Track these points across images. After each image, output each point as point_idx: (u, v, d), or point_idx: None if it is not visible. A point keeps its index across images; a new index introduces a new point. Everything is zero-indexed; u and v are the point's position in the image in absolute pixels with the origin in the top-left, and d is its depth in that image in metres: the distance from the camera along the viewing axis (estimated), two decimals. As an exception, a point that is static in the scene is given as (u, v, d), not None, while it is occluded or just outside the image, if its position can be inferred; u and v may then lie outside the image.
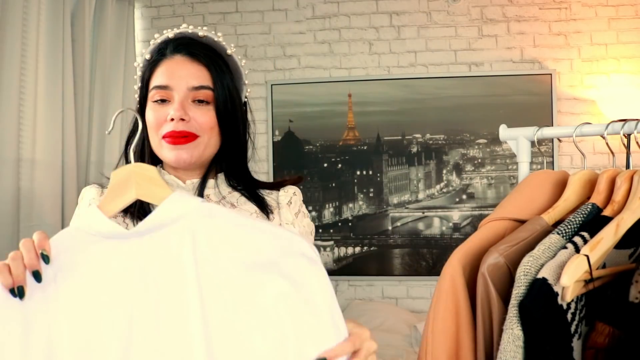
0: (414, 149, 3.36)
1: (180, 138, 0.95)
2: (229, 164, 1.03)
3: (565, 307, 0.79)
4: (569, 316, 0.80)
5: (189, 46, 0.98)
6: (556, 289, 0.77)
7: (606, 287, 0.88)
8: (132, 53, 3.32)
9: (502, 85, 3.25)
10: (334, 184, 3.41)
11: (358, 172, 3.41)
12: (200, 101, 0.97)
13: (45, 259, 0.73)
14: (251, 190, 1.03)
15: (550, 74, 3.20)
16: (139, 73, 1.02)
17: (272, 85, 3.42)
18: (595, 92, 3.18)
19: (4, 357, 0.71)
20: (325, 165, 3.43)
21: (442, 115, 3.31)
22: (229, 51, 1.02)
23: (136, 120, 0.94)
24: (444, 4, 3.32)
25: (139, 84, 1.02)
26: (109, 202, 0.79)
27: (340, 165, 3.43)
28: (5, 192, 2.37)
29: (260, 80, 3.43)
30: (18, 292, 0.71)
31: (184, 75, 0.96)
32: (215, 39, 1.01)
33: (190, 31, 1.00)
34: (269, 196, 1.05)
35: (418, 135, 3.36)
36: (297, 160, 3.44)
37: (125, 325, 0.73)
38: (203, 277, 0.72)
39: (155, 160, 1.02)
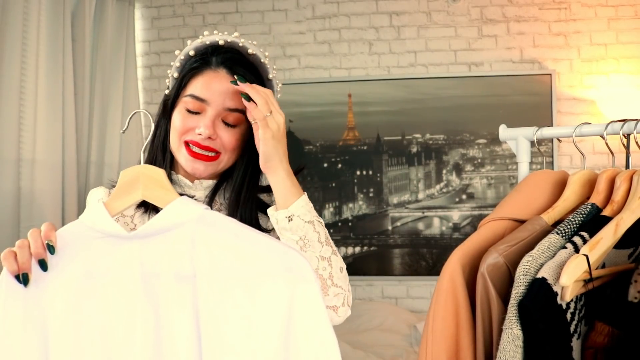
0: (414, 149, 3.37)
1: (203, 154, 0.97)
2: (238, 177, 1.03)
3: (564, 306, 0.79)
4: (569, 316, 0.80)
5: (236, 64, 0.97)
6: (555, 288, 0.77)
7: (605, 286, 0.88)
8: (132, 53, 3.33)
9: (502, 85, 3.25)
10: (334, 184, 3.42)
11: (358, 172, 3.41)
12: (229, 123, 0.97)
13: (51, 249, 0.75)
14: (253, 201, 1.04)
15: (550, 74, 3.20)
16: (177, 64, 1.01)
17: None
18: (595, 92, 3.18)
19: (8, 342, 0.73)
20: (325, 165, 3.43)
21: (442, 115, 3.31)
22: (270, 75, 1.02)
23: (154, 120, 0.96)
24: (444, 4, 3.32)
25: (175, 74, 1.01)
26: (115, 199, 0.81)
27: (340, 165, 3.43)
28: (5, 192, 2.38)
29: (260, 80, 3.43)
30: (23, 278, 0.74)
31: (223, 92, 0.96)
32: (262, 60, 1.01)
33: (241, 44, 0.99)
34: (271, 197, 1.06)
35: (418, 135, 3.36)
36: (297, 160, 3.41)
37: (121, 319, 0.75)
38: (200, 285, 0.74)
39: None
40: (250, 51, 0.99)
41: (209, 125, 0.95)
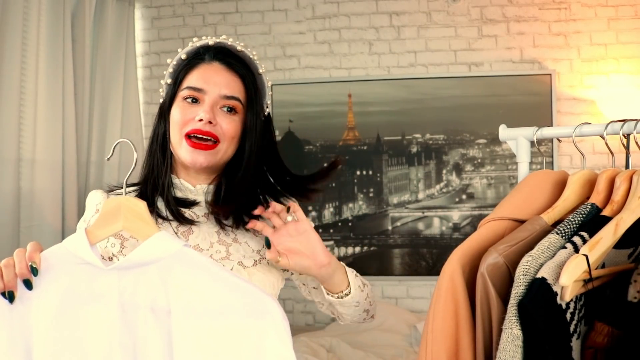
0: (414, 149, 3.37)
1: (202, 143, 0.98)
2: (234, 175, 1.05)
3: (564, 306, 0.80)
4: (568, 316, 0.80)
5: (228, 56, 1.02)
6: (555, 288, 0.77)
7: (605, 286, 0.88)
8: (132, 53, 3.32)
9: (502, 85, 3.25)
10: (334, 184, 3.41)
11: (358, 172, 3.41)
12: (229, 110, 1.00)
13: (34, 271, 0.78)
14: (249, 202, 1.04)
15: (550, 74, 3.20)
16: (170, 70, 1.05)
17: (272, 85, 3.42)
18: (595, 92, 3.18)
19: None
20: (325, 165, 3.42)
21: (442, 115, 3.31)
22: (260, 70, 1.06)
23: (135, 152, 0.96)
24: (444, 4, 3.32)
25: (169, 81, 1.04)
26: (97, 228, 0.84)
27: (340, 165, 3.42)
28: (5, 192, 2.37)
29: (260, 80, 3.43)
30: (8, 295, 0.77)
31: (218, 82, 1.00)
32: (250, 56, 1.05)
33: (229, 43, 1.04)
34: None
35: (418, 135, 3.36)
36: (297, 160, 3.44)
37: (100, 344, 0.78)
38: (174, 321, 0.77)
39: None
40: (238, 48, 1.04)
41: (208, 110, 0.97)
